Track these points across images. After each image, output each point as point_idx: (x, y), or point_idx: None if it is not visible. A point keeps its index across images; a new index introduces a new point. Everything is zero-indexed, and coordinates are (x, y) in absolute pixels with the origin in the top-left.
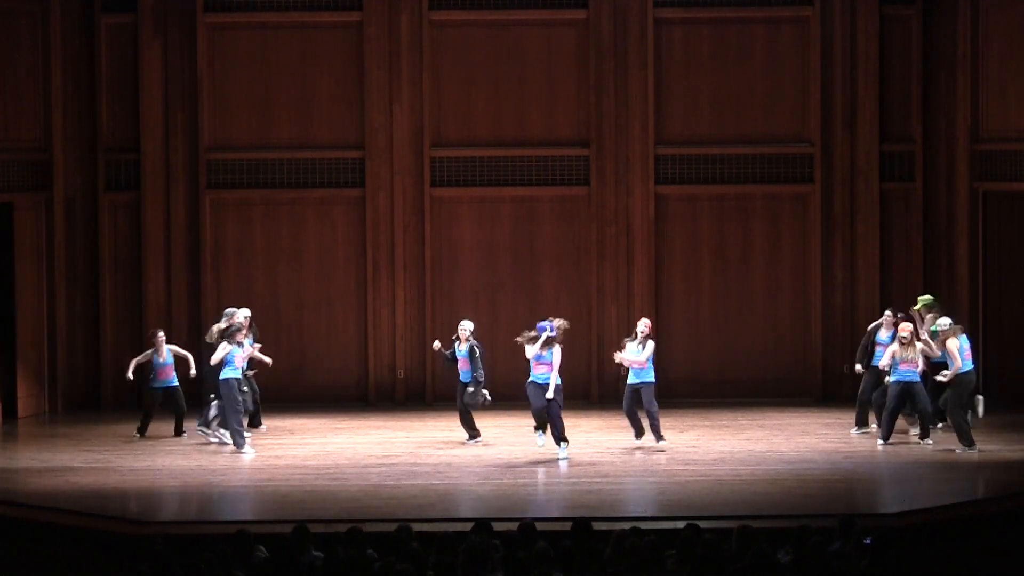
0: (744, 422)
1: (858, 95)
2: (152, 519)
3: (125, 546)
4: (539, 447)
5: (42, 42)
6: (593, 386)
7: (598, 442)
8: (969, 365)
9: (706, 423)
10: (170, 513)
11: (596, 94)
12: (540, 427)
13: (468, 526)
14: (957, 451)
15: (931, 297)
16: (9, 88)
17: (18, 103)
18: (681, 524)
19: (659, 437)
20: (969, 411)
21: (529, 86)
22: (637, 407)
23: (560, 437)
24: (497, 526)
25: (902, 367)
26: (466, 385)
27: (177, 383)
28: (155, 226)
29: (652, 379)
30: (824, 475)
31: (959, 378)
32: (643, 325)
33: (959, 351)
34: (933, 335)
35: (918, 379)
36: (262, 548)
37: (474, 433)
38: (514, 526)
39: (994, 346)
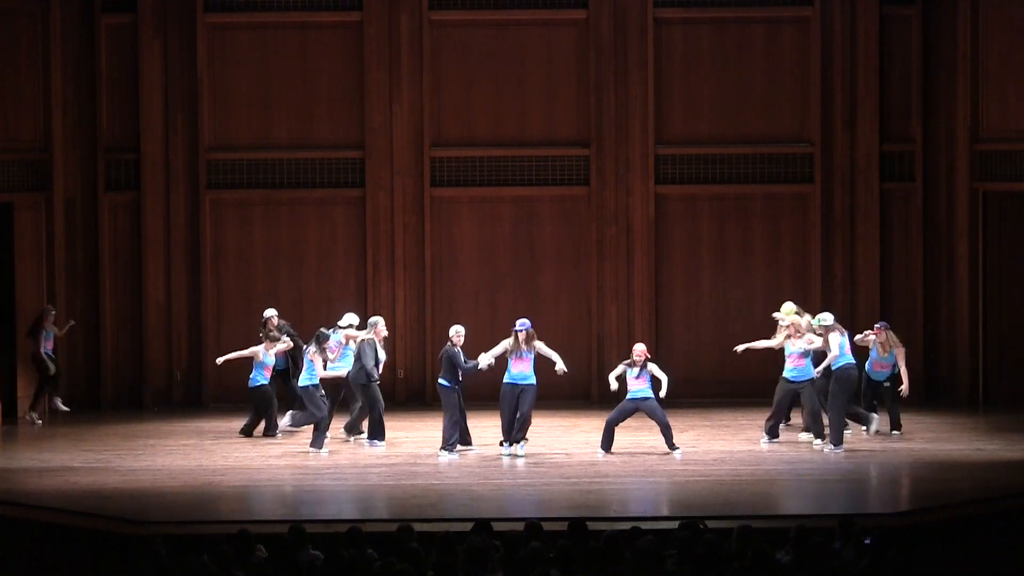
0: (744, 422)
1: (858, 95)
2: (152, 519)
3: (125, 546)
4: (505, 456)
5: (42, 42)
6: (593, 386)
7: (598, 442)
8: (851, 359)
9: (706, 423)
10: (170, 513)
11: (596, 94)
12: (508, 438)
13: (468, 526)
14: (824, 448)
15: (792, 305)
16: (9, 88)
17: (18, 103)
18: (682, 524)
19: (672, 446)
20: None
21: (529, 86)
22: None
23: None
24: (497, 526)
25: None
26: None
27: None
28: (155, 226)
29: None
30: (824, 475)
31: (841, 372)
32: (639, 353)
33: (839, 345)
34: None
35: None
36: (262, 548)
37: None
38: (514, 526)
39: (994, 346)
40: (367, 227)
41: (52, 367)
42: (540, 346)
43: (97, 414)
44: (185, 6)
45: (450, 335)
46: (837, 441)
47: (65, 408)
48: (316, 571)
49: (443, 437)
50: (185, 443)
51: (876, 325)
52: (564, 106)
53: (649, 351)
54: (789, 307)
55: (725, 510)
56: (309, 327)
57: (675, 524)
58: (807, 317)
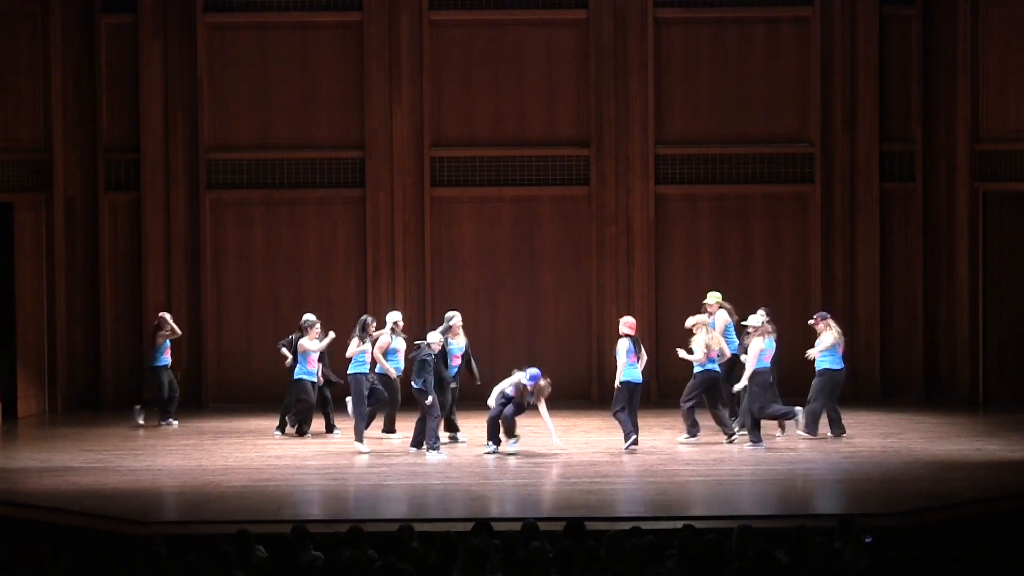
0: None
1: (858, 95)
2: (152, 519)
3: (125, 546)
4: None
5: (42, 42)
6: (593, 386)
7: (598, 442)
8: (764, 365)
9: (706, 423)
10: (170, 513)
11: (596, 94)
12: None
13: (468, 526)
14: (746, 447)
15: (719, 294)
16: (9, 88)
17: (18, 103)
18: (681, 524)
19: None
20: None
21: (529, 86)
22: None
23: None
24: (497, 526)
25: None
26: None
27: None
28: (155, 226)
29: (622, 379)
30: (824, 475)
31: (754, 376)
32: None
33: (759, 354)
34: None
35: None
36: (262, 548)
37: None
38: (514, 526)
39: (994, 346)
40: (367, 227)
41: (164, 387)
42: (542, 407)
43: (97, 414)
44: (185, 6)
45: (431, 340)
46: (755, 440)
47: (140, 423)
48: (316, 571)
49: (427, 437)
50: (185, 443)
51: (816, 315)
52: (564, 106)
53: (649, 351)
54: (715, 295)
55: (725, 510)
56: None
57: (674, 524)
58: (718, 315)
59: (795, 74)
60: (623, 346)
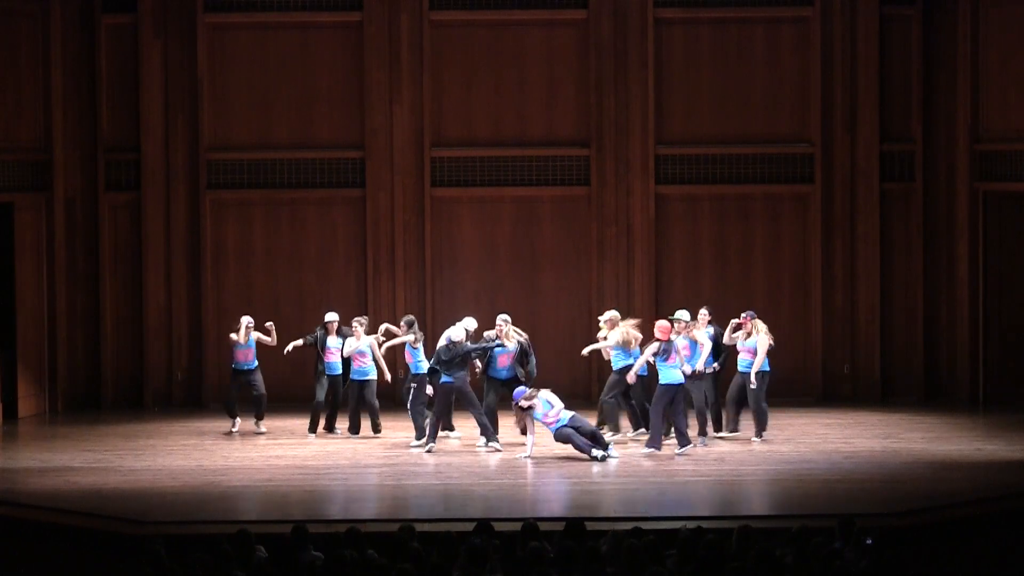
0: (744, 422)
1: (858, 95)
2: (152, 519)
3: (125, 546)
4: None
5: (42, 42)
6: (593, 386)
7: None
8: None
9: None
10: (170, 513)
11: (596, 94)
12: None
13: (468, 526)
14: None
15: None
16: (9, 88)
17: (18, 103)
18: (681, 524)
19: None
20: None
21: (529, 86)
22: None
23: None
24: (497, 526)
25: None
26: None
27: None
28: (155, 226)
29: (660, 380)
30: (824, 475)
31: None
32: (662, 330)
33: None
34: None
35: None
36: (262, 548)
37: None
38: (514, 526)
39: (994, 346)
40: (367, 227)
41: (261, 386)
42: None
43: (97, 414)
44: (185, 6)
45: (463, 332)
46: (699, 433)
47: (262, 430)
48: (316, 571)
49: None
50: (185, 443)
51: (743, 315)
52: (564, 106)
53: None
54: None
55: (725, 510)
56: (309, 327)
57: (674, 524)
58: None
59: (795, 74)
60: (649, 348)
